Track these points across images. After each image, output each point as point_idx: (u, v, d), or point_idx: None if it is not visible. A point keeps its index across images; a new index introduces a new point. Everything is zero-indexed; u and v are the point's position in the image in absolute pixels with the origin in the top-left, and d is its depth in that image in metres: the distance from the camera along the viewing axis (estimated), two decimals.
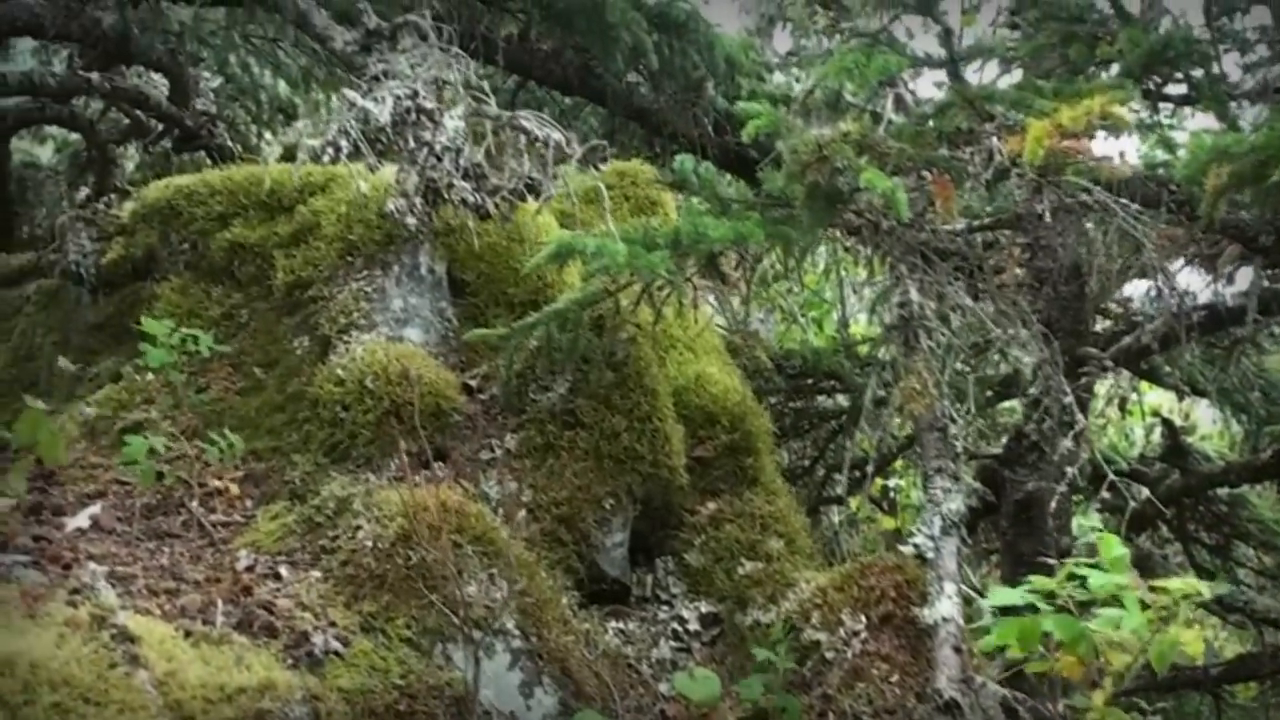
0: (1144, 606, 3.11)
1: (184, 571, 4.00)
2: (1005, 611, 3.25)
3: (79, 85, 7.91)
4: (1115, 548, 3.21)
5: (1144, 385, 8.81)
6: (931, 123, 4.59)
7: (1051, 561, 3.79)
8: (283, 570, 4.06)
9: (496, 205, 4.57)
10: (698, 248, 4.41)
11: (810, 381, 8.26)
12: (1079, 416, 4.56)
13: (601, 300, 4.76)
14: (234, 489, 4.61)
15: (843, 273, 9.15)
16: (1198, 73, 4.83)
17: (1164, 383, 8.23)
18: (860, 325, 9.69)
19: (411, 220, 4.46)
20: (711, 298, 5.69)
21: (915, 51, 5.31)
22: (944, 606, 4.06)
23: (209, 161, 8.23)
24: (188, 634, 3.40)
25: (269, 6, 5.97)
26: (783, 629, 4.44)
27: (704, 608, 4.77)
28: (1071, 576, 3.17)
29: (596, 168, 4.74)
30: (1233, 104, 4.86)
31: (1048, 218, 4.58)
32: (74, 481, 4.62)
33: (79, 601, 3.29)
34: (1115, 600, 3.13)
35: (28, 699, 2.82)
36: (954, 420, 4.44)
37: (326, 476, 4.46)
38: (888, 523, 9.79)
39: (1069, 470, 4.58)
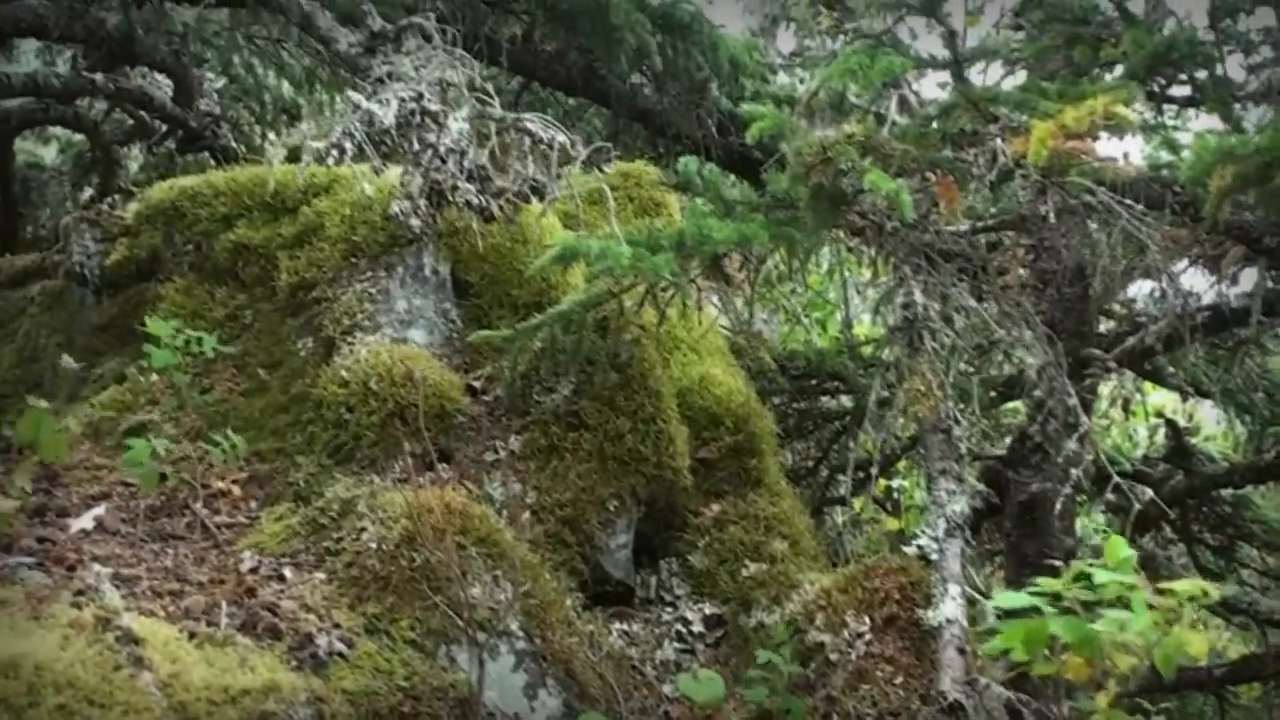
0: (1150, 608, 3.10)
1: (188, 573, 4.00)
2: (1009, 614, 3.24)
3: (83, 86, 7.92)
4: (1122, 549, 3.20)
5: (1148, 386, 8.81)
6: (935, 124, 4.59)
7: (1056, 563, 3.78)
8: (287, 572, 4.05)
9: (501, 207, 4.56)
10: (702, 249, 4.41)
11: (814, 382, 8.26)
12: (1083, 418, 4.56)
13: (606, 302, 4.76)
14: (238, 490, 4.62)
15: (846, 273, 9.14)
16: (1202, 74, 4.83)
17: (1168, 383, 8.22)
18: (864, 326, 9.69)
19: (416, 222, 4.46)
20: (715, 298, 5.68)
21: (919, 53, 5.30)
22: (948, 608, 4.06)
23: (213, 162, 8.24)
24: (192, 636, 3.40)
25: (273, 8, 5.96)
26: (787, 631, 4.44)
27: (708, 609, 4.77)
28: (1078, 578, 3.16)
29: (601, 170, 4.74)
30: (1237, 105, 4.85)
31: (1051, 219, 4.58)
32: (78, 483, 4.63)
33: (83, 603, 3.29)
34: (1121, 602, 3.12)
35: (32, 701, 2.82)
36: (958, 422, 4.44)
37: (331, 478, 4.46)
38: (891, 523, 9.79)
39: (1074, 472, 4.57)
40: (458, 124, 4.51)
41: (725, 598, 4.79)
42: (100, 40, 7.26)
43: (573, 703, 4.05)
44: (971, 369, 5.44)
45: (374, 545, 4.01)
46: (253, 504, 4.60)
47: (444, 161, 4.46)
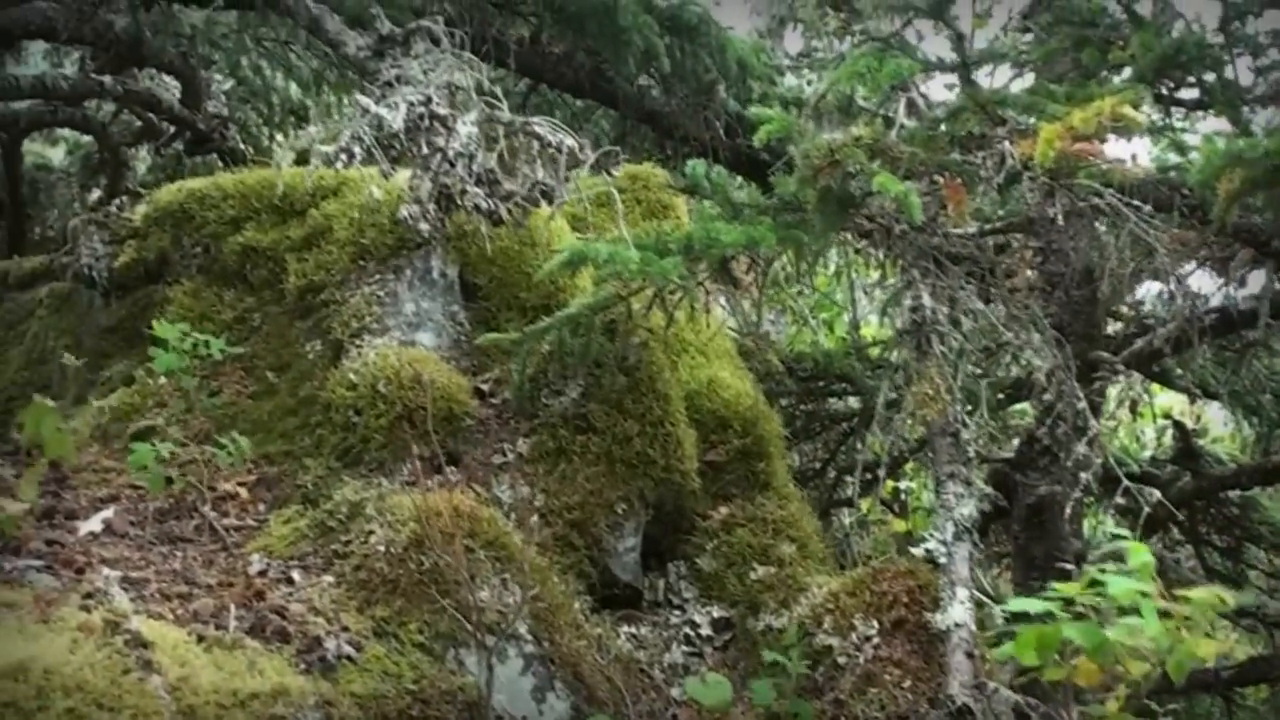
0: (1164, 615, 3.10)
1: (196, 576, 4.00)
2: (1018, 618, 3.24)
3: (91, 88, 7.94)
4: (1142, 555, 3.20)
5: (1155, 388, 8.80)
6: (943, 127, 4.59)
7: (1064, 565, 3.78)
8: (295, 575, 4.06)
9: (509, 211, 4.57)
10: (710, 252, 4.42)
11: (821, 384, 8.26)
12: (1092, 421, 4.55)
13: (613, 305, 4.77)
14: (246, 493, 4.62)
15: (854, 275, 9.14)
16: (1210, 77, 4.82)
17: (1176, 385, 8.22)
18: (871, 327, 9.69)
19: (425, 226, 4.46)
20: (723, 301, 5.69)
21: (927, 55, 5.30)
22: (956, 612, 4.06)
23: (221, 164, 8.25)
24: (200, 639, 3.40)
25: (281, 11, 5.96)
26: (796, 634, 4.44)
27: (716, 612, 4.77)
28: (1092, 583, 3.16)
29: (610, 173, 4.73)
30: (1245, 108, 4.84)
31: (1060, 221, 4.58)
32: (86, 485, 4.64)
33: (92, 606, 3.29)
34: (1132, 607, 3.12)
35: (41, 705, 2.82)
36: (966, 425, 4.44)
37: (339, 481, 4.47)
38: (899, 525, 9.79)
39: (1083, 476, 4.57)
40: (466, 128, 4.52)
41: (733, 601, 4.79)
42: (108, 42, 7.26)
43: (581, 706, 4.06)
44: (979, 371, 5.44)
45: (382, 548, 4.01)
46: (261, 507, 4.60)
47: (453, 165, 4.46)
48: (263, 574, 4.05)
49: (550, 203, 4.68)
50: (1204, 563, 8.73)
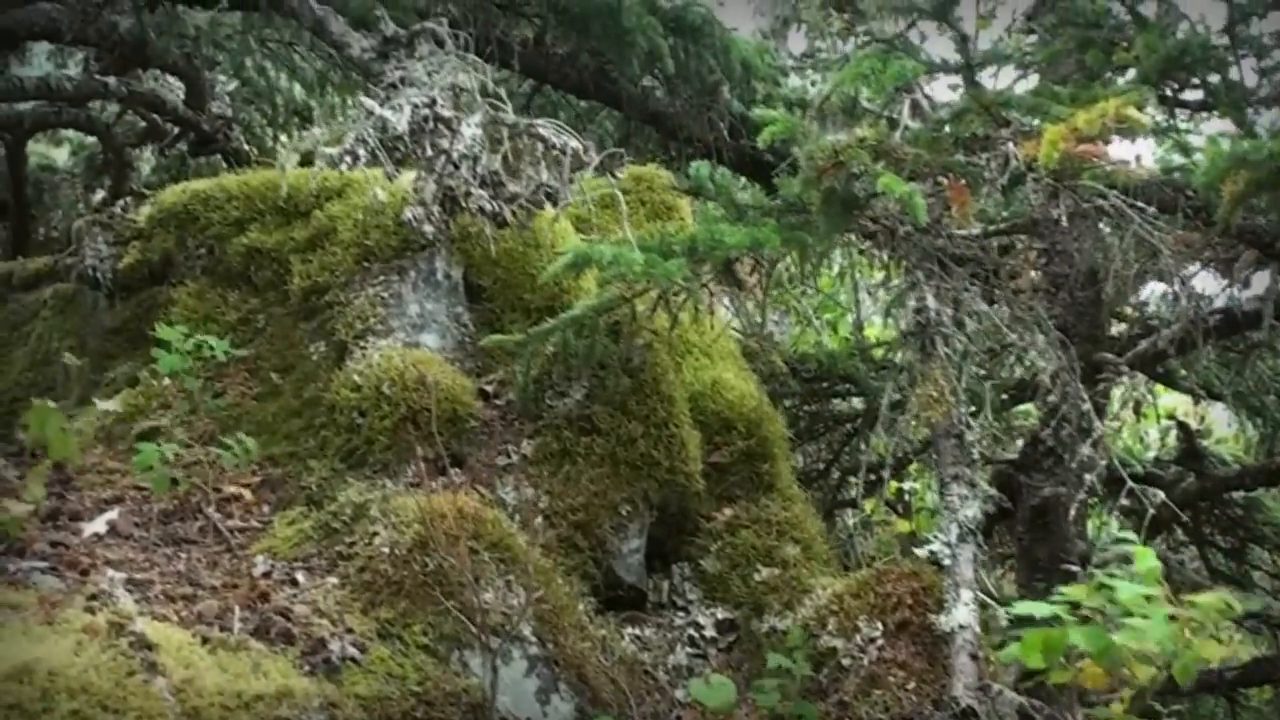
0: (1171, 619, 3.10)
1: (201, 577, 4.00)
2: (1024, 622, 3.24)
3: (95, 89, 7.95)
4: (1149, 560, 3.20)
5: (1159, 389, 8.79)
6: (948, 128, 4.59)
7: (1068, 567, 3.78)
8: (299, 576, 4.06)
9: (514, 213, 4.57)
10: (714, 254, 4.42)
11: (825, 385, 8.26)
12: (1096, 423, 4.55)
13: (618, 306, 4.77)
14: (250, 495, 4.62)
15: (857, 276, 9.14)
16: (1214, 78, 4.82)
17: (1180, 386, 8.21)
18: (875, 328, 9.68)
19: (429, 228, 4.46)
20: (727, 302, 5.69)
21: (931, 56, 5.29)
22: (961, 613, 4.06)
23: (225, 165, 8.25)
24: (205, 640, 3.40)
25: (285, 12, 5.96)
26: (800, 635, 4.44)
27: (720, 614, 4.77)
28: (1100, 587, 3.16)
29: (614, 175, 4.73)
30: (1249, 110, 4.84)
31: (1064, 223, 4.58)
32: (91, 487, 4.64)
33: (97, 608, 3.30)
34: (1139, 611, 3.12)
35: (46, 706, 2.83)
36: (970, 426, 4.44)
37: (343, 482, 4.47)
38: (903, 526, 9.78)
39: (1087, 477, 4.57)
40: (471, 130, 4.51)
41: (737, 602, 4.79)
42: (113, 43, 7.27)
43: (585, 708, 4.06)
44: (984, 373, 5.44)
45: (387, 550, 4.01)
46: (265, 508, 4.61)
47: (457, 167, 4.46)
48: (267, 576, 4.05)
49: (555, 204, 4.68)
50: (1208, 564, 8.72)
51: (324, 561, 4.16)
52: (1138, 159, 4.55)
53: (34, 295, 6.04)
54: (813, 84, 8.25)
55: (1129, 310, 7.99)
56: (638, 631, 4.65)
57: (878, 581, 4.51)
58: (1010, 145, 4.33)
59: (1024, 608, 3.27)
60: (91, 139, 9.47)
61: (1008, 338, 4.63)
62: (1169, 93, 4.90)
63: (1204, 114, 5.32)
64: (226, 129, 8.43)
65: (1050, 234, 5.91)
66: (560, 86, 7.69)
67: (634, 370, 4.87)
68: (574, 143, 4.61)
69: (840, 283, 10.04)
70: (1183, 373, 7.85)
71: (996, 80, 5.99)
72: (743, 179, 7.97)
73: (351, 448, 4.59)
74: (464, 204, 4.49)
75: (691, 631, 4.71)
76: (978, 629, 4.02)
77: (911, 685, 4.23)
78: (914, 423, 4.50)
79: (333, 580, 4.02)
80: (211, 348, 4.73)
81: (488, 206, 4.49)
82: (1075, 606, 3.16)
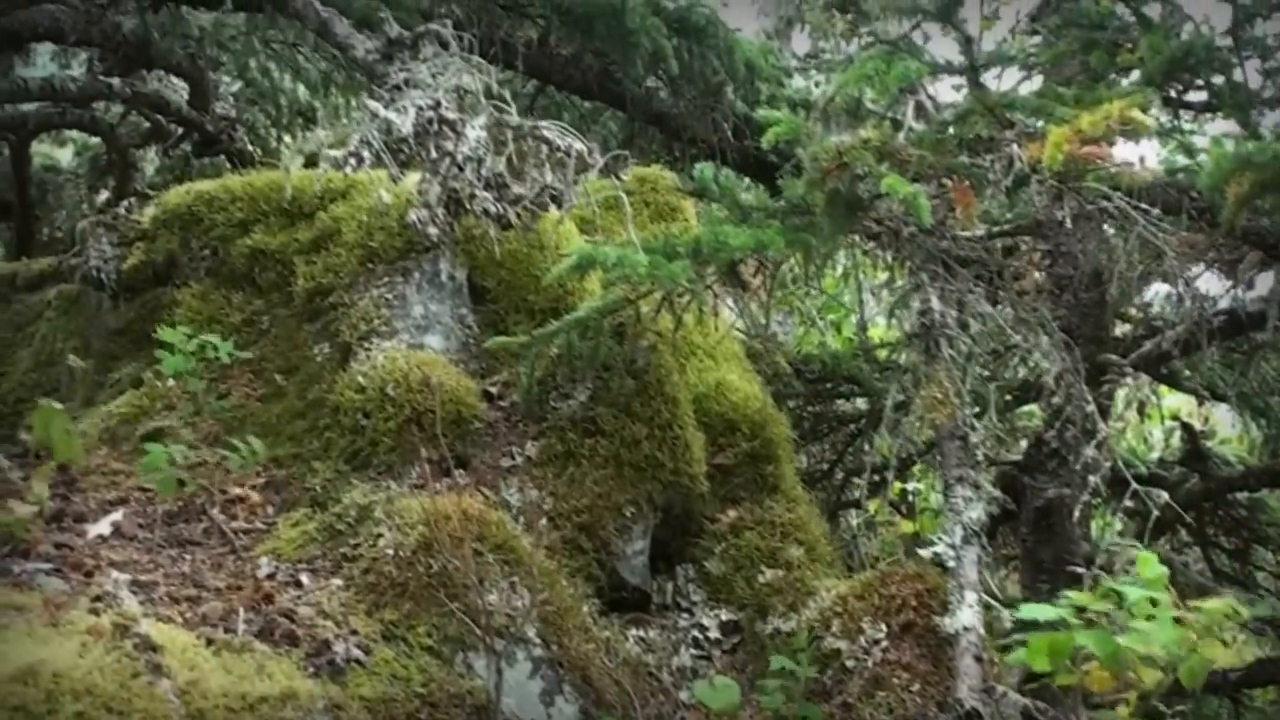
0: (1177, 622, 3.10)
1: (205, 579, 4.00)
2: (1029, 625, 3.24)
3: (99, 90, 7.96)
4: (1154, 566, 3.20)
5: (1163, 390, 8.79)
6: (952, 129, 4.58)
7: (1073, 568, 3.78)
8: (304, 578, 4.06)
9: (518, 215, 4.56)
10: (718, 256, 4.41)
11: (829, 386, 8.26)
12: (1100, 424, 4.55)
13: (622, 308, 4.76)
14: (255, 496, 4.62)
15: (861, 277, 9.14)
16: (1219, 80, 4.82)
17: (1184, 387, 8.21)
18: (879, 329, 9.69)
19: (433, 230, 4.47)
20: (731, 303, 5.68)
21: (935, 57, 5.30)
22: (965, 615, 4.06)
23: (229, 166, 8.26)
24: (209, 642, 3.40)
25: (290, 13, 5.96)
26: (804, 637, 4.43)
27: (724, 615, 4.77)
28: (1107, 594, 3.16)
29: (618, 176, 4.73)
30: (1254, 111, 4.84)
31: (1068, 224, 4.58)
32: (95, 488, 4.63)
33: (101, 609, 3.29)
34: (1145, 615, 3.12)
35: (50, 708, 2.82)
36: (974, 428, 4.44)
37: (347, 484, 4.46)
38: (907, 527, 9.78)
39: (1092, 479, 4.57)
40: (475, 132, 4.51)
41: (742, 604, 4.79)
42: (116, 44, 7.28)
43: (589, 709, 4.05)
44: (988, 374, 5.43)
45: (391, 551, 4.01)
46: (270, 510, 4.60)
47: (461, 169, 4.46)
48: (271, 577, 4.05)
49: (559, 206, 4.67)
50: (1212, 565, 8.71)
51: (328, 563, 4.16)
52: (1142, 160, 4.55)
53: (38, 296, 6.04)
54: (817, 85, 8.26)
55: (1133, 311, 7.99)
56: (642, 633, 4.65)
57: (882, 583, 4.51)
58: (1014, 147, 4.32)
59: (1029, 611, 3.27)
60: (95, 140, 9.48)
61: (1012, 339, 4.63)
62: (1173, 94, 4.92)
63: (1208, 115, 5.32)
64: (230, 130, 8.44)
65: (1054, 235, 5.92)
66: (564, 88, 7.71)
67: (638, 372, 4.87)
68: (578, 144, 4.61)
69: (844, 284, 10.05)
70: (1187, 374, 7.85)
71: (1001, 82, 6.00)
72: (747, 180, 7.99)
73: (356, 449, 4.59)
74: (468, 206, 4.49)
75: (696, 633, 4.71)
76: (982, 631, 4.02)
77: (916, 687, 4.22)
78: (918, 424, 4.49)
79: (337, 582, 4.02)
80: (215, 349, 4.73)
81: (492, 208, 4.49)
82: (1081, 610, 3.16)
